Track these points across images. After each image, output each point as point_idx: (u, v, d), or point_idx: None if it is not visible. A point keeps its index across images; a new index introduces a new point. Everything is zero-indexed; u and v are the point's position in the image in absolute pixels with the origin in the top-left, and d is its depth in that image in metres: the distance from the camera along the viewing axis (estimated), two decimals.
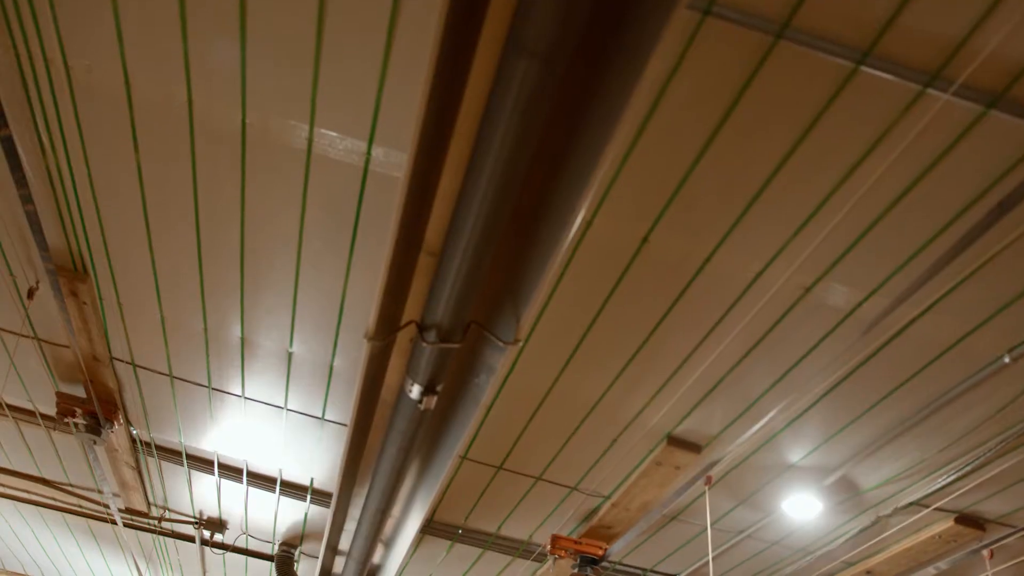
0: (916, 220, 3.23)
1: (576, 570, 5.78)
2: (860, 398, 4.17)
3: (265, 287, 4.15)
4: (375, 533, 4.81)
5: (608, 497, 5.44)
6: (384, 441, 3.79)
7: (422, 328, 2.96)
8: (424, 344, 2.93)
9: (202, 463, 6.13)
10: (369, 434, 3.87)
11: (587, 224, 3.44)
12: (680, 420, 4.57)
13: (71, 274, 4.32)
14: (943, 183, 3.07)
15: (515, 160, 2.38)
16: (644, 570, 6.50)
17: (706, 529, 5.61)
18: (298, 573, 7.33)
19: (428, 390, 3.20)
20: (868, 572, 5.61)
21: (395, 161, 3.31)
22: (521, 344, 2.95)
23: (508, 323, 2.98)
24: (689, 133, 3.06)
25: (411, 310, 3.11)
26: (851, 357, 3.85)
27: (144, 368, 5.08)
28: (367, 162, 3.34)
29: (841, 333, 3.75)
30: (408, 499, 4.94)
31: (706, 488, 4.85)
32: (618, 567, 6.45)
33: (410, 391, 3.25)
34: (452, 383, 3.47)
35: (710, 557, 5.15)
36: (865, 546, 5.43)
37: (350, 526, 5.64)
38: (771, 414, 4.28)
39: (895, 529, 5.16)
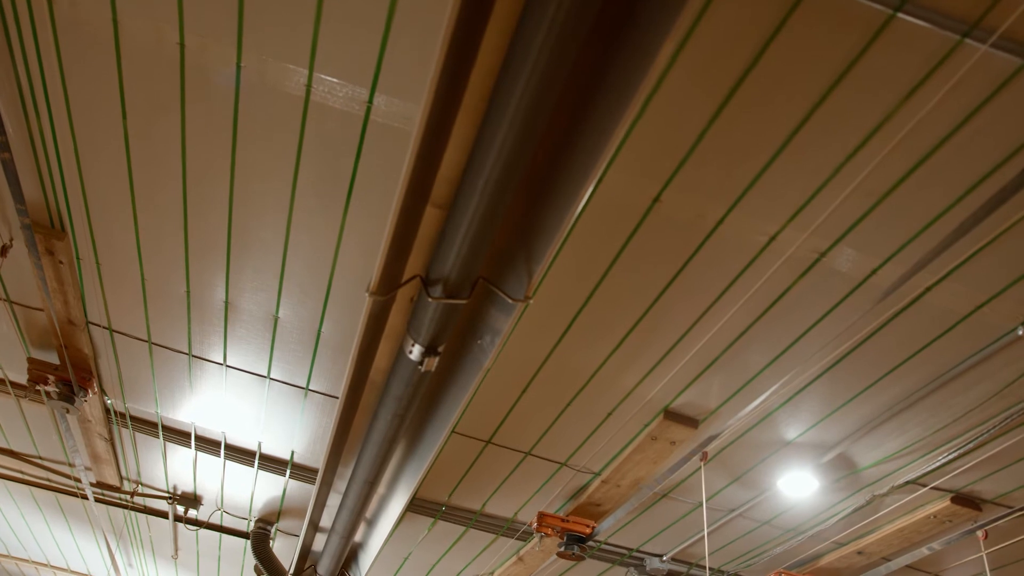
0: (939, 183, 3.12)
1: (563, 548, 5.66)
2: (866, 371, 4.07)
3: (253, 248, 3.97)
4: (361, 507, 4.66)
5: (598, 474, 5.32)
6: (377, 408, 3.64)
7: (427, 283, 2.81)
8: (429, 300, 2.78)
9: (178, 435, 5.93)
10: (361, 400, 3.71)
11: (598, 181, 3.30)
12: (678, 393, 4.45)
13: (48, 231, 4.12)
14: (971, 144, 2.96)
15: (541, 99, 2.23)
16: (630, 550, 6.40)
17: (697, 507, 5.51)
18: (274, 551, 7.16)
19: (430, 351, 3.05)
20: (859, 552, 5.54)
21: (397, 111, 3.15)
22: (529, 302, 2.81)
23: (518, 279, 2.83)
24: (708, 88, 2.93)
25: (414, 266, 2.96)
26: (860, 328, 3.74)
27: (121, 334, 4.88)
28: (368, 111, 3.18)
29: (852, 302, 3.65)
30: (395, 473, 4.80)
31: (701, 464, 4.75)
32: (604, 546, 6.34)
33: (410, 352, 3.10)
34: (453, 346, 3.32)
35: (705, 533, 5.04)
36: (857, 526, 5.35)
37: (333, 501, 5.49)
38: (773, 388, 4.18)
39: (889, 508, 5.09)
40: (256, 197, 3.67)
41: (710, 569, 6.46)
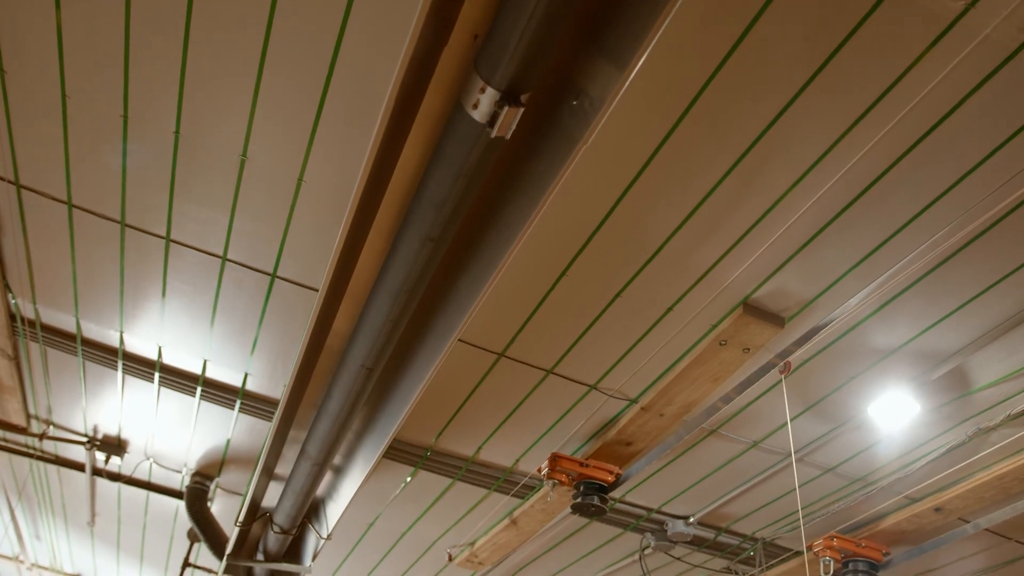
0: None
1: (579, 500, 4.60)
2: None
3: (220, 43, 2.86)
4: (352, 408, 3.48)
5: (636, 400, 4.28)
6: (402, 227, 2.49)
7: None
8: None
9: (101, 352, 4.73)
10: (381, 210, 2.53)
11: None
12: (767, 277, 3.45)
13: None
14: None
15: None
16: (649, 510, 5.36)
17: (750, 447, 4.51)
18: (213, 512, 5.96)
19: (509, 97, 1.96)
20: (936, 510, 4.59)
21: None
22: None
23: None
24: None
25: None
26: None
27: (32, 191, 3.70)
28: None
29: None
30: (392, 379, 3.68)
31: (782, 377, 3.74)
32: (617, 505, 5.30)
33: (475, 106, 2.01)
34: (526, 121, 2.23)
35: (793, 458, 4.03)
36: (943, 474, 4.38)
37: (297, 433, 4.34)
38: (893, 268, 3.22)
39: (992, 449, 4.14)
40: None
41: (741, 536, 5.46)
